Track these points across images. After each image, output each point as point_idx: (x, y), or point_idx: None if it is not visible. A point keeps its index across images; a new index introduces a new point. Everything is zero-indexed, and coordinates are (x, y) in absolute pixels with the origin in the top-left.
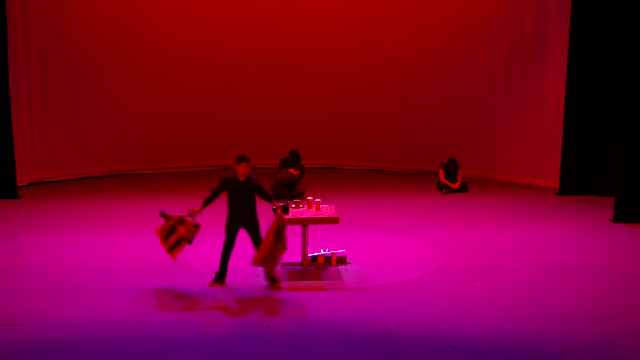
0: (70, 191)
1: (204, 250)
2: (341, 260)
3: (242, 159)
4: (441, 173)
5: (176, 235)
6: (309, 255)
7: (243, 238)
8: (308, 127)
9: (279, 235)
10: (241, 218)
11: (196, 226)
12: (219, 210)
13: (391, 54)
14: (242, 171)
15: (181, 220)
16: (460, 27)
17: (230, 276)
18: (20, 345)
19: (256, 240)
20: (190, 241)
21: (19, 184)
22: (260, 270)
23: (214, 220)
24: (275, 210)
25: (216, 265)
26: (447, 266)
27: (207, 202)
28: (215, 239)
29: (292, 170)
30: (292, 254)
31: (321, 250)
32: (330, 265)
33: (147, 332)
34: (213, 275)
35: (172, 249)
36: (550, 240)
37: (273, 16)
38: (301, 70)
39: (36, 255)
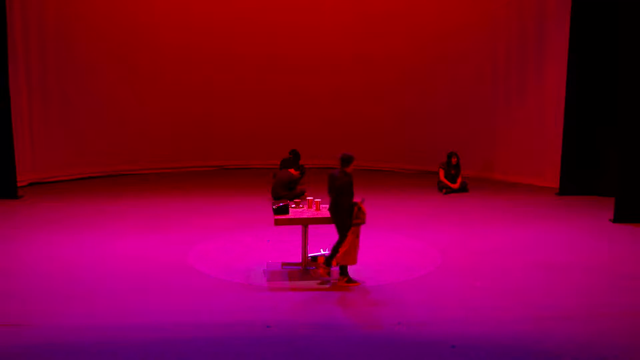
0: (70, 191)
1: (204, 250)
2: None
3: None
4: (441, 173)
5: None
6: (309, 255)
7: (243, 238)
8: (308, 127)
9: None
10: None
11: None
12: (216, 211)
13: (391, 54)
14: (350, 170)
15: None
16: (460, 27)
17: (231, 276)
18: (20, 346)
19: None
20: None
21: (19, 184)
22: (258, 268)
23: (213, 220)
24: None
25: (216, 265)
26: (447, 266)
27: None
28: (216, 239)
29: (292, 170)
30: (292, 254)
31: (321, 250)
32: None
33: (147, 332)
34: (212, 275)
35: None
36: (550, 240)
37: (273, 16)
38: (301, 70)
39: (36, 255)
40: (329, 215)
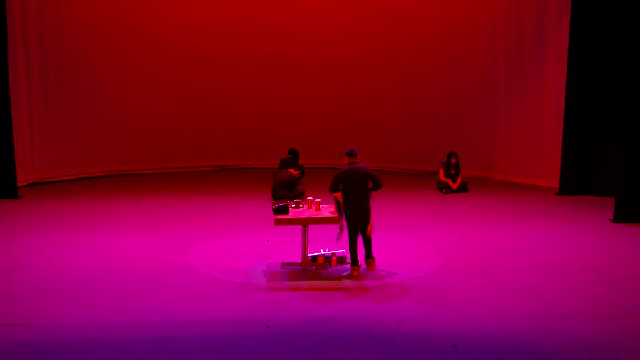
0: (70, 191)
1: (204, 250)
2: (341, 260)
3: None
4: (441, 173)
5: None
6: (309, 255)
7: (243, 238)
8: (308, 127)
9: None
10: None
11: None
12: (216, 211)
13: (391, 53)
14: None
15: None
16: (460, 27)
17: (231, 276)
18: (20, 345)
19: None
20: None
21: (19, 184)
22: (258, 268)
23: (213, 220)
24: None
25: (216, 265)
26: (447, 266)
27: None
28: (216, 239)
29: (292, 170)
30: (292, 254)
31: (321, 250)
32: (330, 265)
33: (147, 332)
34: (212, 275)
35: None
36: (550, 240)
37: (273, 16)
38: (301, 70)
39: (36, 255)
40: (329, 216)
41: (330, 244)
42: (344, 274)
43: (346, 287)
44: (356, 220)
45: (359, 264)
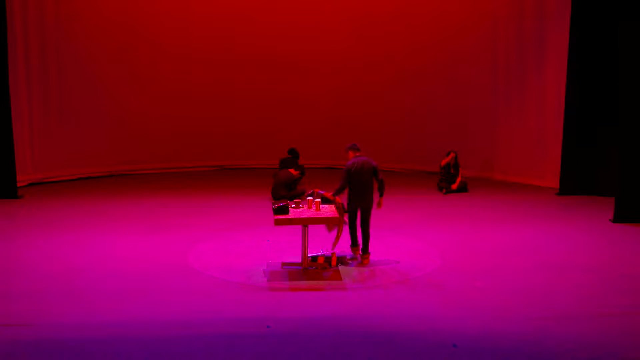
0: (70, 191)
1: (204, 250)
2: (341, 260)
3: None
4: (443, 162)
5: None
6: (309, 255)
7: (243, 238)
8: (308, 127)
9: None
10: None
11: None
12: (216, 211)
13: (391, 53)
14: None
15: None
16: (460, 27)
17: (231, 276)
18: (20, 345)
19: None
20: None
21: (19, 184)
22: (258, 268)
23: (213, 220)
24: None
25: (216, 265)
26: (447, 266)
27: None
28: (216, 239)
29: (292, 170)
30: (292, 254)
31: (321, 250)
32: (330, 265)
33: (147, 332)
34: (212, 275)
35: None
36: (550, 240)
37: (273, 16)
38: (301, 70)
39: (36, 255)
40: (329, 216)
41: (329, 244)
42: (347, 257)
43: (346, 287)
44: (358, 203)
45: (359, 244)
